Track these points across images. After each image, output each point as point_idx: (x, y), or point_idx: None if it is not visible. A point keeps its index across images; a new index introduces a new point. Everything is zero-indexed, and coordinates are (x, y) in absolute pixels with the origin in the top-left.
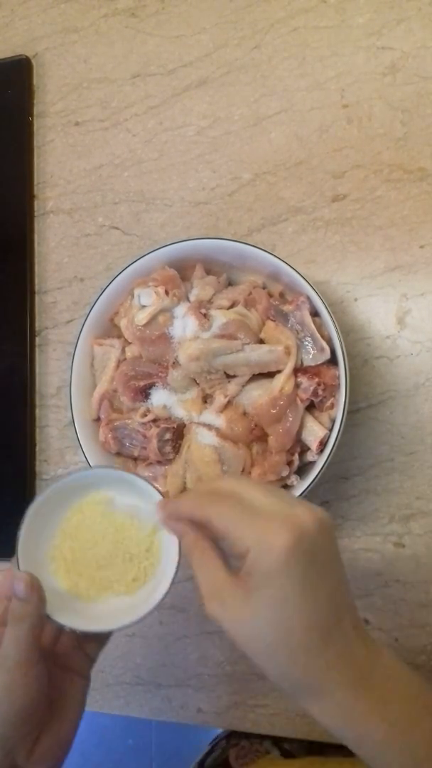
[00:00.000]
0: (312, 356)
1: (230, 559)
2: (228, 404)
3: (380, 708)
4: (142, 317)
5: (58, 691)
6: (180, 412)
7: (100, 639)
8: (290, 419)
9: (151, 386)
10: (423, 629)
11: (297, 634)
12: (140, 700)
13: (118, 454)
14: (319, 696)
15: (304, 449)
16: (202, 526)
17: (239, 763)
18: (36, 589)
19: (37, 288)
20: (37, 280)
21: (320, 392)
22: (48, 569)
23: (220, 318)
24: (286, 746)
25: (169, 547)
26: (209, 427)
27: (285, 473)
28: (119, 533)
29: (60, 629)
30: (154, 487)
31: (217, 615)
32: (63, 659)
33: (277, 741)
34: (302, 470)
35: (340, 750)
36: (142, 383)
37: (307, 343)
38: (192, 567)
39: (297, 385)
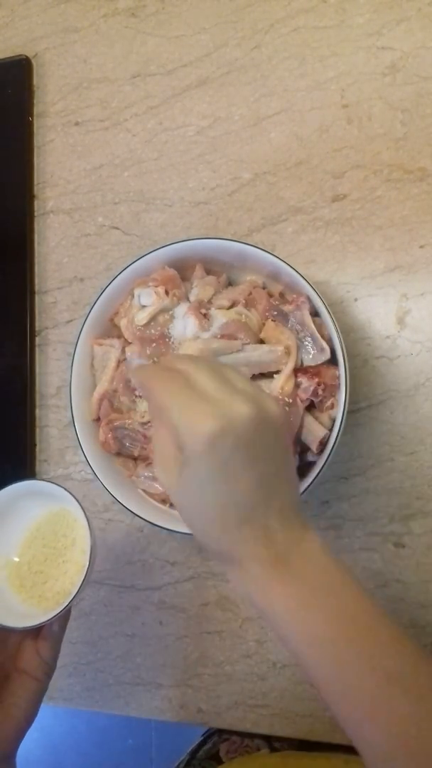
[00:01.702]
0: (312, 356)
1: None
2: None
3: (287, 584)
4: (142, 317)
5: (6, 690)
6: None
7: (48, 640)
8: (290, 419)
9: None
10: (423, 629)
11: (212, 510)
12: (140, 700)
13: (118, 453)
14: (233, 564)
15: (304, 449)
16: None
17: (228, 757)
18: None
19: (37, 288)
20: (37, 280)
21: (320, 392)
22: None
23: (220, 318)
24: (276, 744)
25: (84, 550)
26: None
27: None
28: (54, 547)
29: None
30: (69, 492)
31: (159, 477)
32: (18, 660)
33: (268, 738)
34: (302, 470)
35: (330, 750)
36: None
37: (307, 343)
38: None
39: (297, 385)
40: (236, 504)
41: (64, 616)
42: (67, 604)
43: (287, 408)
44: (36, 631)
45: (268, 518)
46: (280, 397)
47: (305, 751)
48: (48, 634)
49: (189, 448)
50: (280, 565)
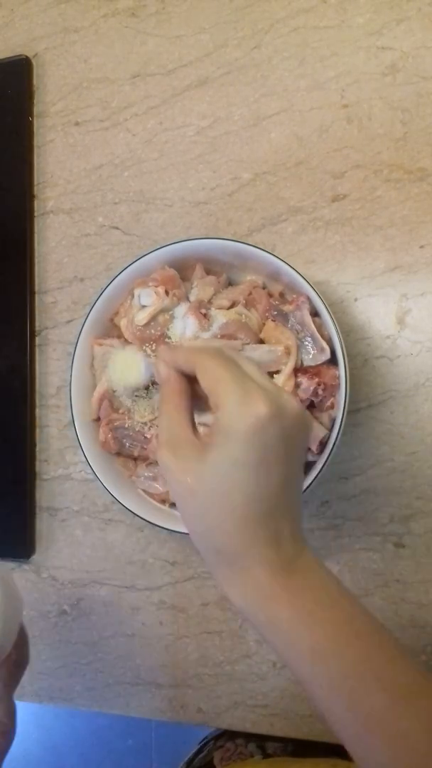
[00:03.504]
0: (312, 356)
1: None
2: None
3: (294, 594)
4: (142, 317)
5: None
6: None
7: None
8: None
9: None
10: (423, 629)
11: (237, 499)
12: (140, 700)
13: (118, 454)
14: (237, 569)
15: None
16: (187, 383)
17: (222, 764)
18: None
19: (37, 288)
20: (37, 280)
21: (320, 392)
22: None
23: (220, 318)
24: (269, 750)
25: None
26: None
27: None
28: None
29: None
30: None
31: (167, 462)
32: None
33: (262, 744)
34: None
35: (322, 753)
36: None
37: (307, 343)
38: (160, 414)
39: (297, 385)
40: (261, 499)
41: (9, 674)
42: None
43: None
44: None
45: (283, 522)
46: None
47: (297, 757)
48: None
49: (234, 427)
50: (286, 574)
